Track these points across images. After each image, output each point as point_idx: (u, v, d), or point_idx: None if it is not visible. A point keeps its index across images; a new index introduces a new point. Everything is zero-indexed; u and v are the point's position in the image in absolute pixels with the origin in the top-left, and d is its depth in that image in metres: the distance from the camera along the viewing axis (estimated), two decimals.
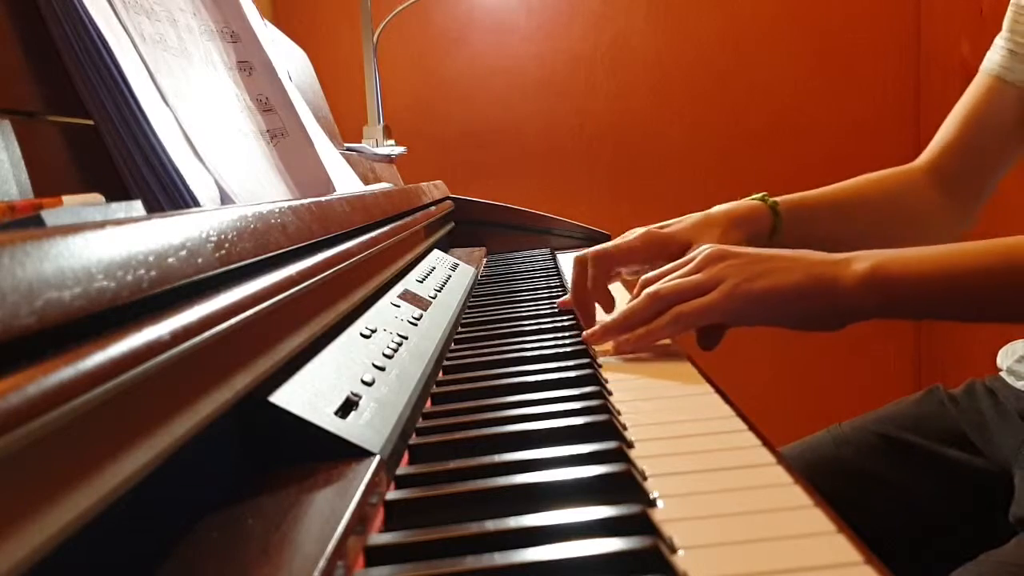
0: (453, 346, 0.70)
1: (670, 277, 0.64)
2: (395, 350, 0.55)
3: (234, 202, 0.63)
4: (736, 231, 0.79)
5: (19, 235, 0.23)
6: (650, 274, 0.66)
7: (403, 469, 0.42)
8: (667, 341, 0.67)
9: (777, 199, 0.84)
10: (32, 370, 0.21)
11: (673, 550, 0.32)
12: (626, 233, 0.79)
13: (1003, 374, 0.87)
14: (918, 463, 0.85)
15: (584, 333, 0.66)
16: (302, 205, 0.51)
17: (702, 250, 0.65)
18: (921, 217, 0.92)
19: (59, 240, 0.25)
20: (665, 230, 0.79)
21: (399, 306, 0.67)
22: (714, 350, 0.65)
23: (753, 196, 0.85)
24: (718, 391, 0.55)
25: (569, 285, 0.77)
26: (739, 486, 0.38)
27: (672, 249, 0.76)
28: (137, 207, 0.53)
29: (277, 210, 0.46)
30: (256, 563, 0.29)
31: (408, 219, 0.84)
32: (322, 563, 0.29)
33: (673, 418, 0.49)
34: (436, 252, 1.01)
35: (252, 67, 0.79)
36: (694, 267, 0.64)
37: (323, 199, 0.57)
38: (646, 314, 0.63)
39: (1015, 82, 0.88)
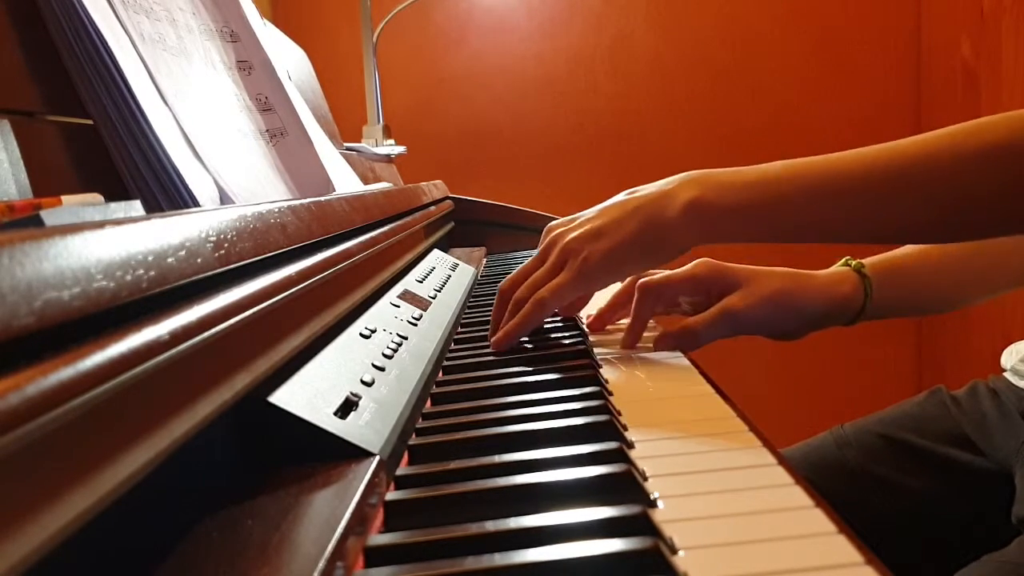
0: (453, 346, 0.70)
1: (524, 279, 0.68)
2: (395, 350, 0.55)
3: (233, 202, 0.63)
4: (812, 292, 0.73)
5: (18, 235, 0.23)
6: (504, 282, 0.69)
7: (403, 469, 0.42)
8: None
9: (863, 261, 0.76)
10: (31, 370, 0.21)
11: (674, 551, 0.32)
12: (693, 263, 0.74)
13: (1007, 374, 0.87)
14: (920, 464, 0.85)
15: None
16: (302, 205, 0.51)
17: (543, 243, 0.69)
18: None
19: (58, 240, 0.25)
20: (730, 267, 0.73)
21: (399, 306, 0.67)
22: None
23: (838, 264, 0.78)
24: (719, 391, 0.54)
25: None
26: (740, 487, 0.38)
27: (728, 282, 0.71)
28: (136, 207, 0.53)
29: (277, 210, 0.45)
30: (255, 563, 0.29)
31: (408, 219, 0.84)
32: (322, 564, 0.29)
33: (674, 418, 0.49)
34: (436, 252, 1.01)
35: (251, 67, 0.79)
36: (539, 260, 0.68)
37: (323, 199, 0.57)
38: (503, 312, 0.67)
39: None
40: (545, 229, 0.71)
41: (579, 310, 0.78)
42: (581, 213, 0.68)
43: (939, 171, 0.58)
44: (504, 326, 0.66)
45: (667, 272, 0.73)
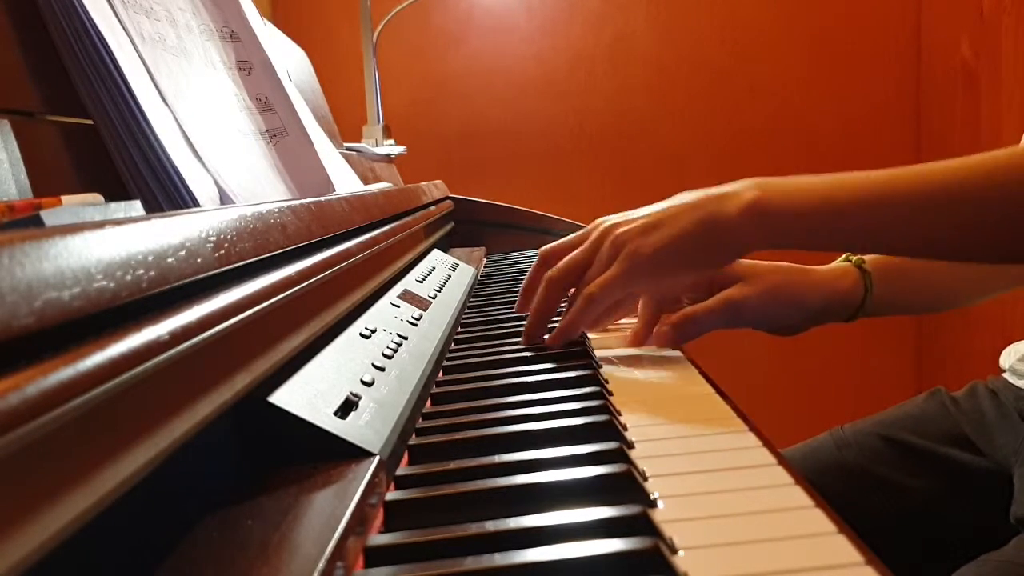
0: (453, 346, 0.70)
1: (568, 262, 0.65)
2: (395, 350, 0.55)
3: (233, 202, 0.63)
4: (809, 288, 0.73)
5: (18, 235, 0.23)
6: (555, 272, 0.66)
7: (403, 469, 0.42)
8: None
9: (864, 257, 0.76)
10: (31, 370, 0.21)
11: (674, 551, 0.32)
12: None
13: (1006, 374, 0.87)
14: (919, 464, 0.85)
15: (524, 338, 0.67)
16: (302, 205, 0.51)
17: (594, 231, 0.65)
18: None
19: (58, 240, 0.25)
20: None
21: (399, 306, 0.67)
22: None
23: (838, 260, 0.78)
24: (719, 391, 0.54)
25: None
26: (740, 487, 0.38)
27: (729, 275, 0.70)
28: (136, 207, 0.53)
29: (277, 210, 0.45)
30: (255, 564, 0.29)
31: (408, 219, 0.84)
32: (322, 564, 0.29)
33: (674, 418, 0.49)
34: (436, 252, 1.01)
35: (251, 66, 0.79)
36: (590, 250, 0.64)
37: (323, 199, 0.57)
38: (550, 302, 0.65)
39: None
40: (595, 222, 0.67)
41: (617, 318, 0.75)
42: (636, 209, 0.65)
43: (1007, 187, 0.57)
44: (560, 324, 0.65)
45: None
